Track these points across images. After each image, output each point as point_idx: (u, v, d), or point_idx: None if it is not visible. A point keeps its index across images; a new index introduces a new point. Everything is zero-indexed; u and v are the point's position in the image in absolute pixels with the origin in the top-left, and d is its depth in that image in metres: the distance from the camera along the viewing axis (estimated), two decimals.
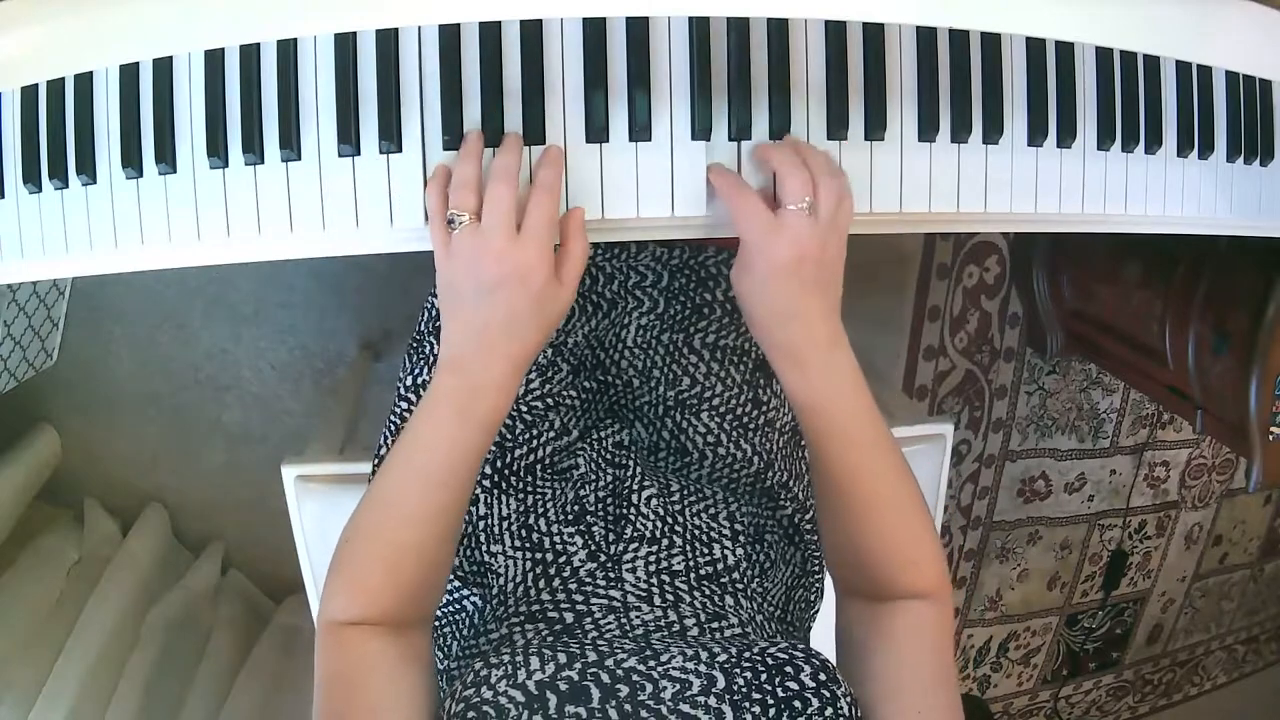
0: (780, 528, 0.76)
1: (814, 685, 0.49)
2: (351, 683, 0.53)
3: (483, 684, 0.50)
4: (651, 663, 0.51)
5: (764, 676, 0.49)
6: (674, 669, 0.50)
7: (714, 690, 0.49)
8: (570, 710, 0.48)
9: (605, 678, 0.50)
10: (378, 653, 0.54)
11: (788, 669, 0.50)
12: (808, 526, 0.77)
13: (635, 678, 0.50)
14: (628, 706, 0.48)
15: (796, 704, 0.48)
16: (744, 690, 0.49)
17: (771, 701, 0.48)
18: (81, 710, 1.17)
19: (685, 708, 0.48)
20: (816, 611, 0.80)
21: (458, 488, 0.57)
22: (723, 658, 0.51)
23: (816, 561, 0.78)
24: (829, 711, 0.48)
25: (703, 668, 0.50)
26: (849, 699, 0.49)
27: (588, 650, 0.52)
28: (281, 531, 0.91)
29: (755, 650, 0.51)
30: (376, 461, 0.78)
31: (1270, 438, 1.22)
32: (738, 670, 0.50)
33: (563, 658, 0.51)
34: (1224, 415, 1.31)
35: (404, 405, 0.77)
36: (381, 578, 0.56)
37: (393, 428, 0.77)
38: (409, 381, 0.76)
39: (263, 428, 1.58)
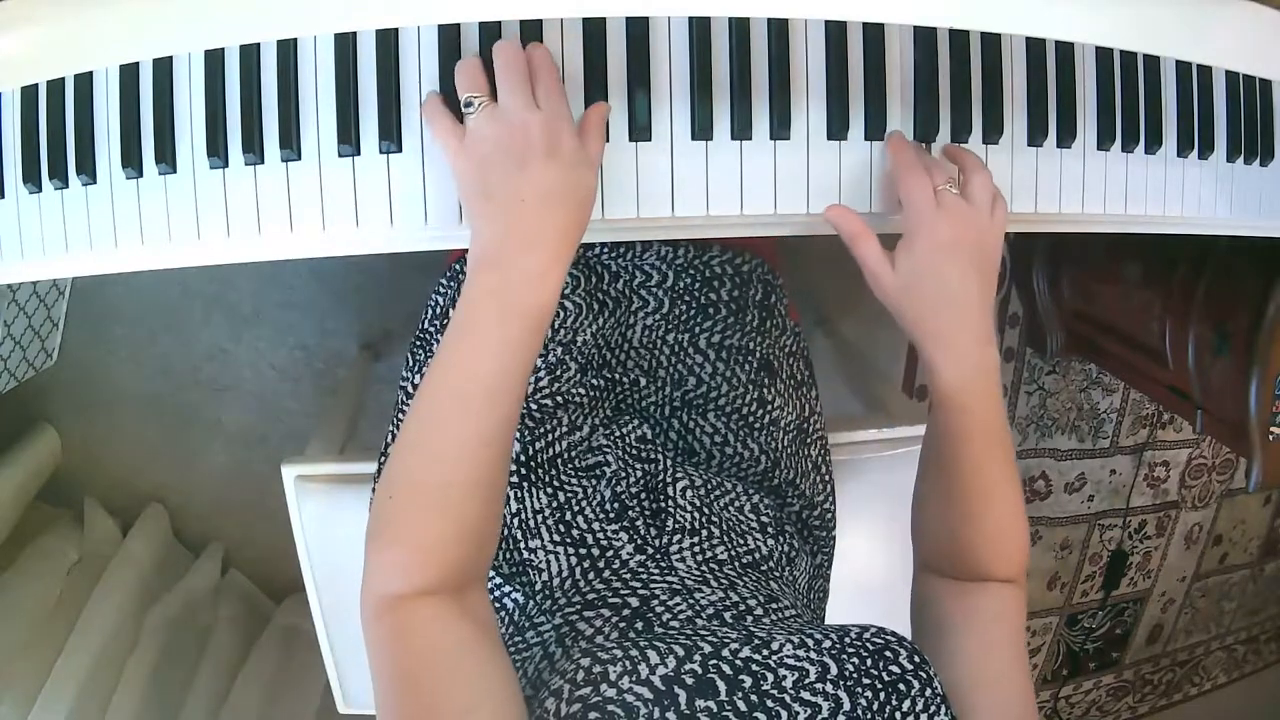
0: (790, 524, 0.76)
1: (912, 667, 0.50)
2: (428, 672, 0.48)
3: (600, 681, 0.47)
4: (764, 651, 0.51)
5: (869, 662, 0.50)
6: (788, 657, 0.50)
7: (829, 677, 0.50)
8: (701, 705, 0.47)
9: (727, 669, 0.49)
10: (449, 629, 0.50)
11: (887, 653, 0.51)
12: (816, 523, 0.77)
13: (755, 667, 0.50)
14: (754, 697, 0.48)
15: (901, 686, 0.49)
16: (855, 676, 0.50)
17: (880, 685, 0.49)
18: (81, 710, 1.17)
19: (806, 695, 0.49)
20: (826, 602, 0.80)
21: (510, 403, 0.54)
22: (827, 644, 0.51)
23: (825, 556, 0.78)
24: (928, 691, 0.49)
25: (813, 655, 0.51)
26: (938, 678, 0.51)
27: (700, 641, 0.51)
28: (281, 531, 0.91)
29: (853, 635, 0.52)
30: (382, 460, 0.77)
31: (1270, 438, 1.22)
32: (844, 656, 0.51)
33: (679, 650, 0.50)
34: (1224, 415, 1.31)
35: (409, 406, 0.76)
36: (441, 528, 0.52)
37: (397, 427, 0.77)
38: (415, 380, 0.76)
39: (263, 428, 1.58)
